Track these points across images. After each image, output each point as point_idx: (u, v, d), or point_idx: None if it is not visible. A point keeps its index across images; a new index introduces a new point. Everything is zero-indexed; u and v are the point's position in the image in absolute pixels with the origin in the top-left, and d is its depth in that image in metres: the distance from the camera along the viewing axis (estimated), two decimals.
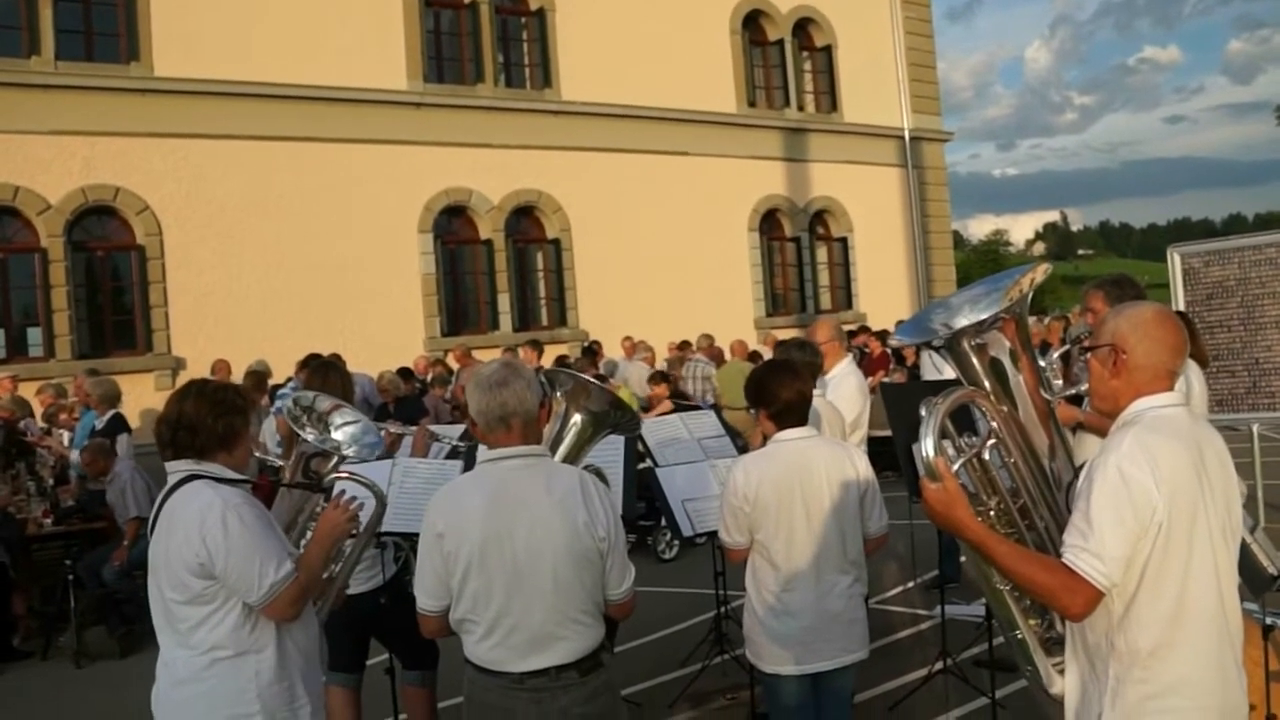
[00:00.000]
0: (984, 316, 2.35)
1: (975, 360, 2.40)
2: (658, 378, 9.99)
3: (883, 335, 12.88)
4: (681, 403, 9.53)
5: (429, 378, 11.12)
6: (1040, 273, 2.54)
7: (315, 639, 2.76)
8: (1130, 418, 2.05)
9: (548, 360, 10.99)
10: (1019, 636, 2.36)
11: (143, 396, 11.10)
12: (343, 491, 2.87)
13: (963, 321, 2.38)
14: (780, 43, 17.45)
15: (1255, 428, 6.68)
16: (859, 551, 3.29)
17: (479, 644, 2.49)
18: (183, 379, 10.70)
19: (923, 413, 2.14)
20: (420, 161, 13.51)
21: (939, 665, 4.92)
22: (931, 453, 2.08)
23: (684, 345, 12.51)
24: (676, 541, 7.78)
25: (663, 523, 7.35)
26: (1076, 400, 3.38)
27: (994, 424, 2.35)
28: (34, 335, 11.58)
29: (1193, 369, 3.44)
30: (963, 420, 2.40)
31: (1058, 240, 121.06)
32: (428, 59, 13.95)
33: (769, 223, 17.28)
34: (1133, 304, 2.23)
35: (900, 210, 18.84)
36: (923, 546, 6.50)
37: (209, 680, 2.51)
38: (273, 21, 12.53)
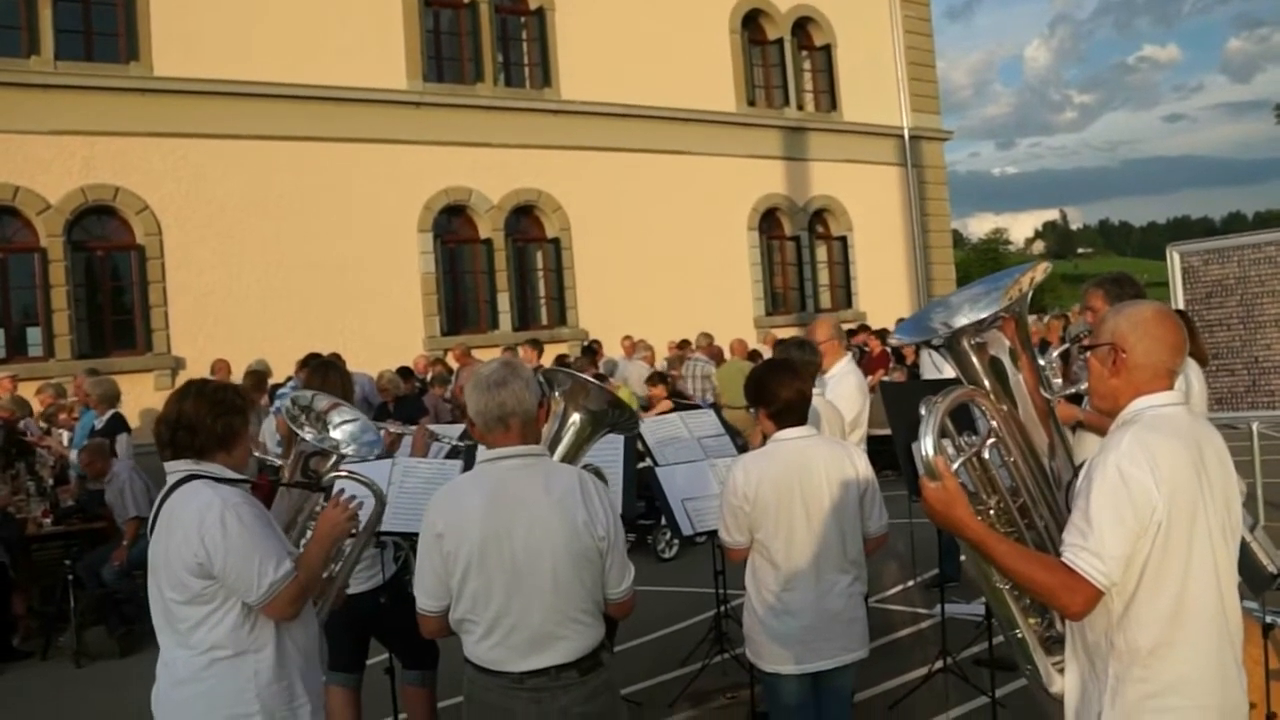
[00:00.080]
0: (984, 315, 2.35)
1: (975, 359, 2.40)
2: (655, 378, 9.99)
3: (882, 334, 12.88)
4: (681, 402, 9.54)
5: (429, 377, 11.12)
6: (1040, 272, 2.54)
7: (315, 638, 2.76)
8: (1130, 416, 2.05)
9: (548, 359, 10.99)
10: (1019, 635, 2.36)
11: (142, 396, 11.10)
12: (342, 490, 2.87)
13: (962, 320, 2.38)
14: (780, 42, 17.44)
15: (1255, 426, 6.68)
16: (859, 550, 3.29)
17: (479, 644, 2.49)
18: (182, 379, 10.70)
19: (922, 412, 2.14)
20: (420, 161, 13.51)
21: (939, 664, 4.92)
22: (931, 451, 2.08)
23: (683, 344, 12.51)
24: (676, 541, 7.78)
25: (662, 522, 7.35)
26: (1076, 399, 3.38)
27: (994, 423, 2.34)
28: (33, 335, 11.58)
29: (1192, 367, 3.44)
30: (962, 419, 2.40)
31: (1057, 239, 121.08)
32: (427, 58, 13.95)
33: (768, 222, 17.28)
34: (1132, 303, 2.23)
35: (900, 209, 18.84)
36: (922, 545, 6.50)
37: (208, 680, 2.51)
38: (272, 21, 12.53)
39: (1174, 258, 6.96)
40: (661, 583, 7.04)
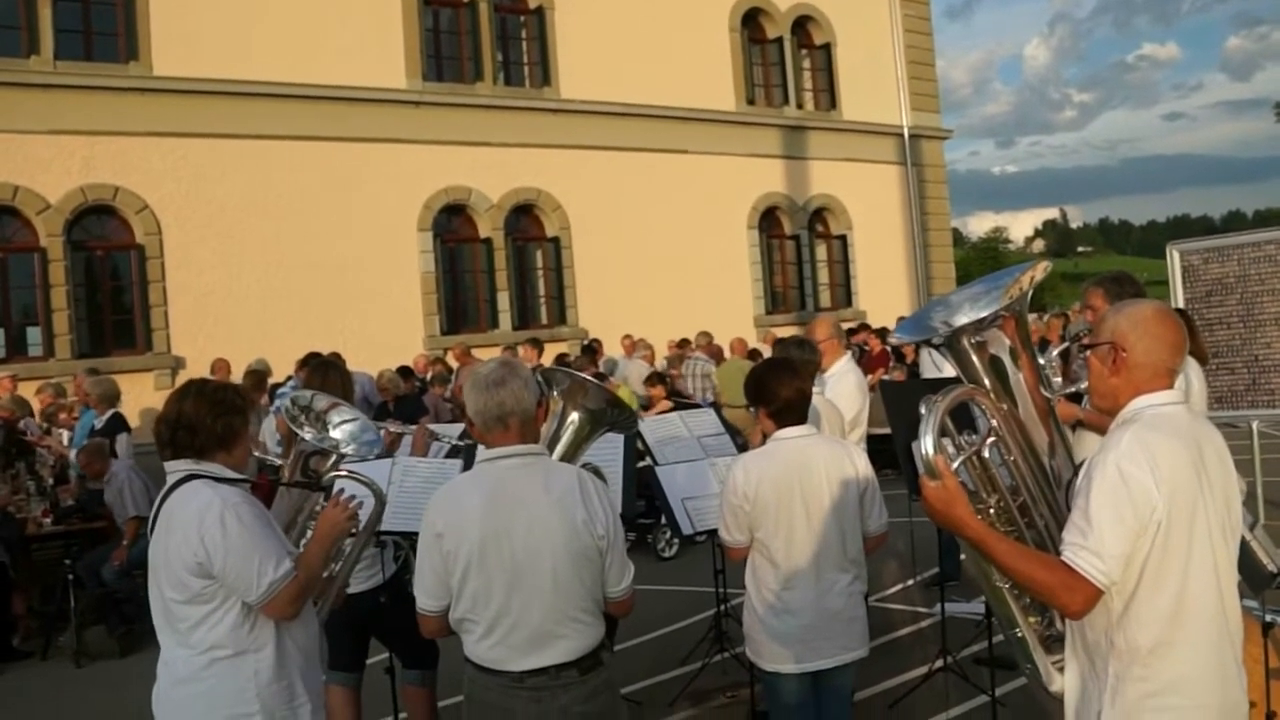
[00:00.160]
0: (984, 314, 2.35)
1: (975, 358, 2.40)
2: (654, 379, 9.99)
3: (882, 333, 12.88)
4: (680, 401, 9.54)
5: (429, 376, 11.12)
6: (1040, 270, 2.54)
7: (315, 638, 2.76)
8: (1129, 415, 2.05)
9: (548, 359, 10.99)
10: (1019, 634, 2.36)
11: (142, 396, 11.10)
12: (342, 490, 2.87)
13: (963, 319, 2.38)
14: (779, 40, 17.44)
15: (1255, 425, 6.68)
16: (859, 550, 3.29)
17: (479, 643, 2.49)
18: (182, 378, 10.69)
19: (922, 410, 2.14)
20: (419, 160, 13.51)
21: (939, 663, 4.91)
22: (931, 450, 2.08)
23: (683, 343, 12.51)
24: (676, 540, 7.78)
25: (662, 521, 7.35)
26: (1076, 398, 3.38)
27: (994, 422, 2.34)
28: (33, 335, 11.58)
29: (1192, 366, 3.44)
30: (962, 418, 2.40)
31: (1057, 237, 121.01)
32: (427, 58, 13.95)
33: (768, 220, 17.27)
34: (1132, 302, 2.23)
35: (899, 208, 18.84)
36: (922, 544, 6.50)
37: (209, 679, 2.51)
38: (272, 21, 12.52)
39: (1174, 256, 6.96)
40: (661, 582, 7.04)
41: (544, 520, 2.46)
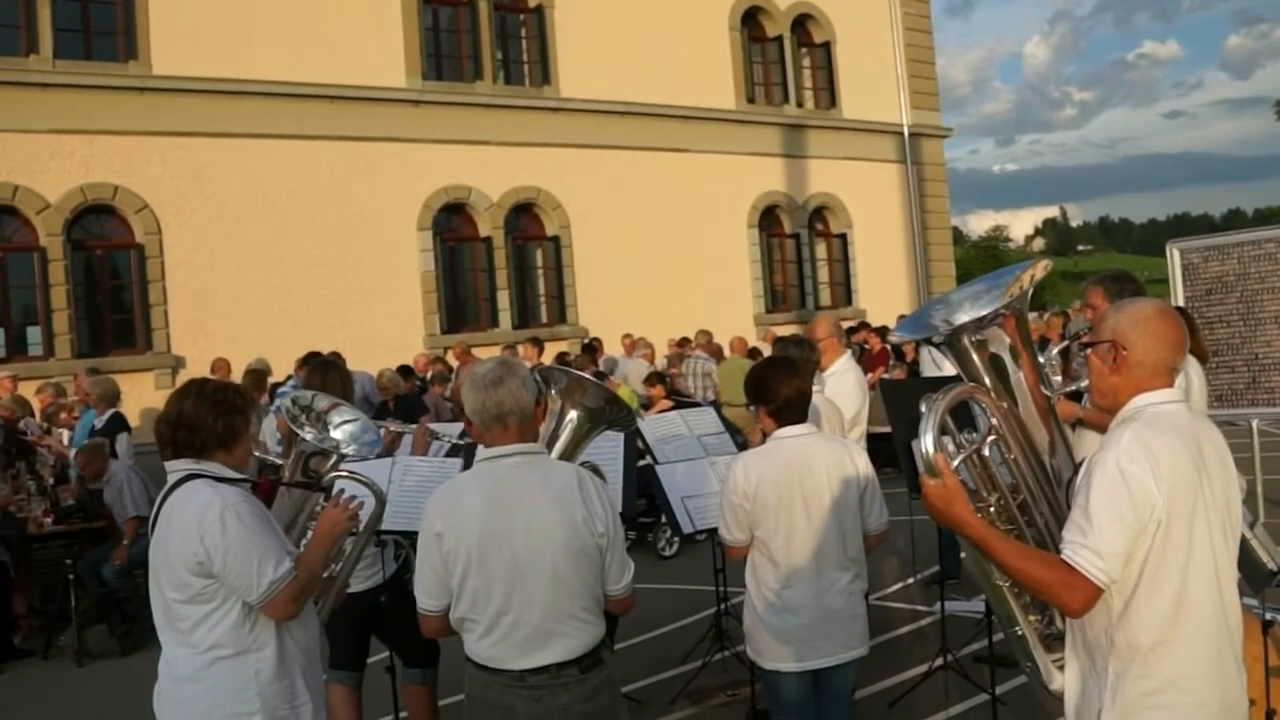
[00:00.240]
0: (984, 312, 2.36)
1: (975, 356, 2.40)
2: (654, 378, 9.99)
3: (882, 331, 12.88)
4: (681, 400, 9.54)
5: (429, 375, 11.13)
6: (1040, 269, 2.54)
7: (316, 637, 2.76)
8: (1130, 414, 2.05)
9: (548, 358, 10.99)
10: (1019, 633, 2.36)
11: (142, 395, 11.10)
12: (342, 490, 2.87)
13: (963, 318, 2.38)
14: (779, 39, 17.43)
15: (1255, 423, 6.69)
16: (859, 548, 3.29)
17: (479, 642, 2.49)
18: (182, 378, 10.70)
19: (922, 409, 2.14)
20: (419, 159, 13.51)
21: (939, 661, 4.92)
22: (931, 449, 2.08)
23: (683, 342, 12.52)
24: (676, 538, 7.79)
25: (663, 520, 7.35)
26: (1076, 396, 3.38)
27: (994, 420, 2.35)
28: (33, 334, 11.58)
29: (1192, 365, 3.44)
30: (963, 417, 2.40)
31: (1057, 236, 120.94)
32: (426, 56, 13.94)
33: (768, 219, 17.27)
34: (1133, 300, 2.23)
35: (899, 206, 18.84)
36: (923, 543, 6.50)
37: (209, 679, 2.51)
38: (271, 19, 12.52)
39: (1174, 255, 6.96)
40: (661, 580, 7.04)
41: (543, 519, 2.46)
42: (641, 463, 5.11)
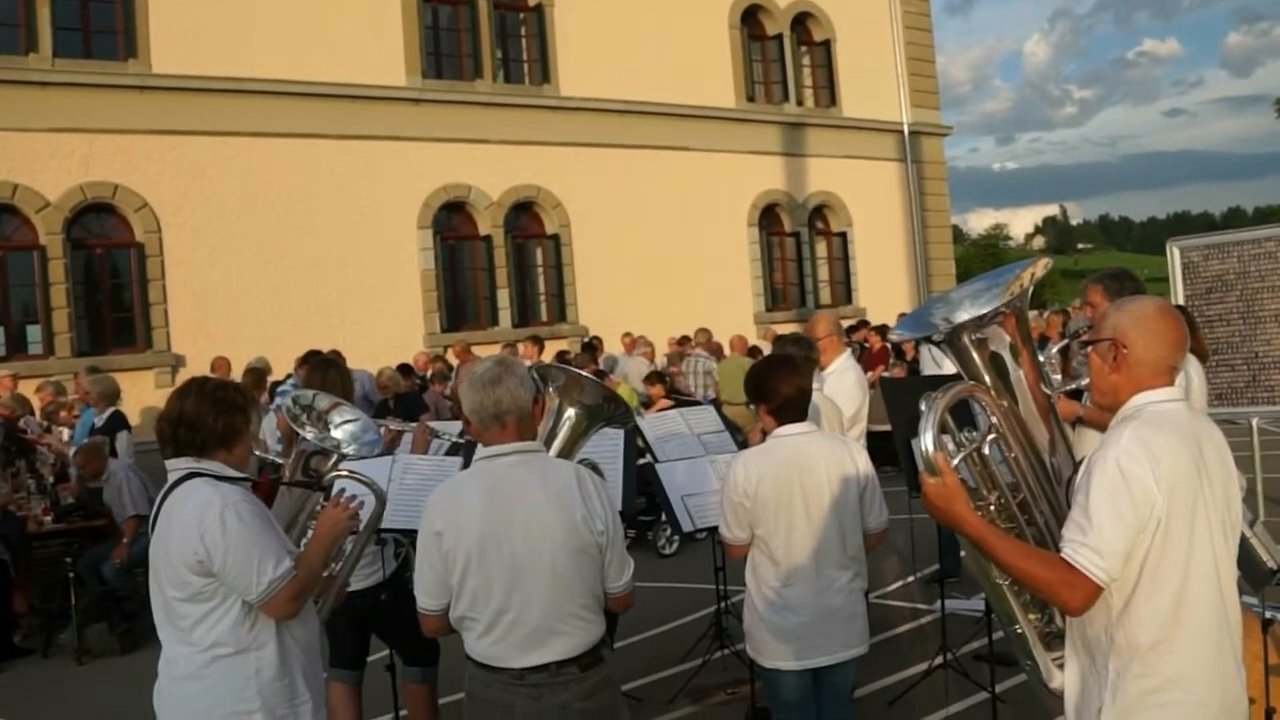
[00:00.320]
0: (985, 311, 2.36)
1: (975, 354, 2.40)
2: (654, 378, 9.99)
3: (882, 330, 12.87)
4: (680, 398, 9.54)
5: (429, 374, 11.13)
6: (1041, 267, 2.54)
7: (316, 636, 2.76)
8: (1130, 413, 2.05)
9: (548, 356, 10.99)
10: (1019, 631, 2.36)
11: (143, 394, 11.11)
12: (343, 490, 2.87)
13: (963, 316, 2.38)
14: (779, 37, 17.42)
15: (1255, 421, 6.69)
16: (859, 547, 3.29)
17: (479, 640, 2.49)
18: (182, 376, 10.70)
19: (922, 407, 2.14)
20: (419, 157, 13.50)
21: (939, 660, 4.92)
22: (931, 447, 2.08)
23: (683, 340, 12.52)
24: (676, 537, 7.78)
25: (662, 518, 7.35)
26: (1076, 395, 3.38)
27: (994, 419, 2.35)
28: (33, 333, 11.58)
29: (1192, 363, 3.44)
30: (963, 415, 2.40)
31: (1057, 234, 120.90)
32: (426, 55, 13.93)
33: (768, 218, 17.27)
34: (1133, 298, 2.23)
35: (899, 205, 18.83)
36: (923, 541, 6.50)
37: (209, 677, 2.51)
38: (271, 18, 12.51)
39: (1174, 253, 6.96)
40: (661, 579, 7.04)
41: (543, 517, 2.46)
42: (641, 461, 5.10)
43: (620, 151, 15.09)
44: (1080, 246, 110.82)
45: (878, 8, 18.61)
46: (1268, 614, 3.27)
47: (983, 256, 46.92)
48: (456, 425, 4.66)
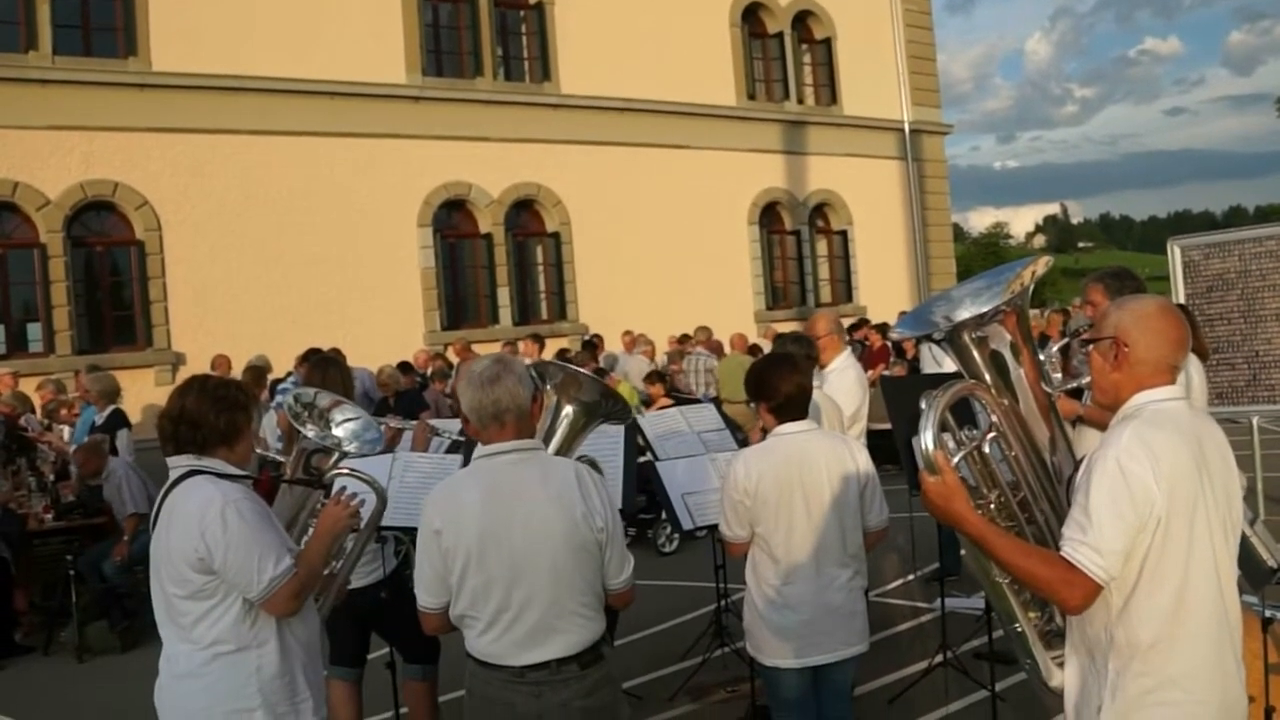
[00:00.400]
0: (985, 309, 2.35)
1: (976, 353, 2.40)
2: (654, 377, 10.00)
3: (883, 328, 12.87)
4: (681, 397, 9.54)
5: (429, 372, 11.14)
6: (1042, 266, 2.54)
7: (316, 633, 2.76)
8: (1130, 411, 2.04)
9: (549, 354, 10.99)
10: (1019, 629, 2.36)
11: (143, 392, 11.11)
12: (344, 488, 2.87)
13: (964, 314, 2.38)
14: (780, 35, 17.41)
15: (1255, 420, 6.68)
16: (859, 545, 3.30)
17: (479, 638, 2.49)
18: (183, 374, 10.71)
19: (922, 406, 2.14)
20: (419, 155, 13.50)
21: (939, 658, 4.92)
22: (931, 446, 2.08)
23: (684, 338, 12.52)
24: (676, 535, 7.78)
25: (662, 516, 7.35)
26: (1077, 393, 3.38)
27: (994, 417, 2.35)
28: (34, 331, 11.58)
29: (1193, 362, 3.45)
30: (963, 413, 2.40)
31: (1058, 233, 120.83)
32: (426, 53, 13.93)
33: (769, 216, 17.26)
34: (1135, 297, 2.23)
35: (900, 203, 18.83)
36: (923, 539, 6.50)
37: (210, 675, 2.52)
38: (271, 16, 12.50)
39: (1175, 252, 6.95)
40: (661, 577, 7.04)
41: (542, 515, 2.46)
42: (642, 459, 5.10)
43: (621, 149, 15.08)
44: (1081, 245, 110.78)
45: (879, 6, 18.60)
46: (1268, 613, 3.27)
47: (983, 255, 46.93)
48: (457, 423, 4.65)
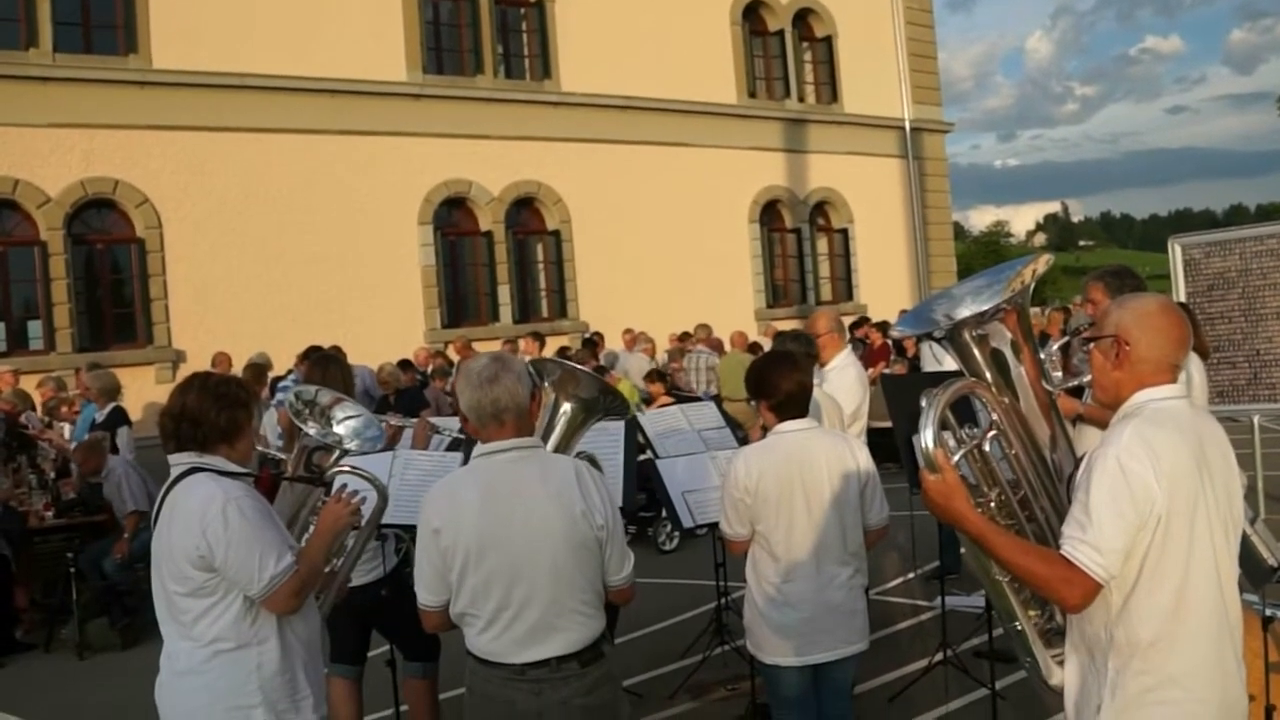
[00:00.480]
0: (986, 307, 2.36)
1: (976, 351, 2.40)
2: (654, 376, 10.00)
3: (883, 326, 12.87)
4: (681, 396, 9.54)
5: (429, 369, 11.13)
6: (1042, 264, 2.54)
7: (317, 631, 2.76)
8: (1131, 410, 2.04)
9: (549, 352, 10.99)
10: (1018, 628, 2.37)
11: (143, 390, 11.11)
12: (344, 485, 2.87)
13: (965, 312, 2.38)
14: (780, 33, 17.39)
15: (1256, 419, 6.68)
16: (859, 543, 3.30)
17: (480, 636, 2.49)
18: (183, 372, 10.71)
19: (923, 404, 2.14)
20: (420, 153, 13.49)
21: (939, 656, 4.92)
22: (931, 444, 2.08)
23: (684, 336, 12.52)
24: (677, 533, 7.78)
25: (663, 514, 7.36)
26: (1077, 392, 3.38)
27: (995, 415, 2.35)
28: (34, 328, 11.58)
29: (1193, 361, 3.44)
30: (963, 412, 2.40)
31: (1059, 231, 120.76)
32: (427, 50, 13.92)
33: (769, 214, 17.26)
34: (1136, 295, 2.22)
35: (901, 201, 18.82)
36: (923, 538, 6.51)
37: (211, 672, 2.52)
38: (271, 13, 12.50)
39: (1175, 250, 6.95)
40: (661, 575, 7.05)
41: (542, 513, 2.46)
42: (642, 457, 5.10)
43: (621, 147, 15.08)
44: (1082, 243, 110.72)
45: (879, 3, 18.58)
46: (1268, 611, 3.27)
47: (984, 253, 46.94)
48: (457, 421, 4.65)
